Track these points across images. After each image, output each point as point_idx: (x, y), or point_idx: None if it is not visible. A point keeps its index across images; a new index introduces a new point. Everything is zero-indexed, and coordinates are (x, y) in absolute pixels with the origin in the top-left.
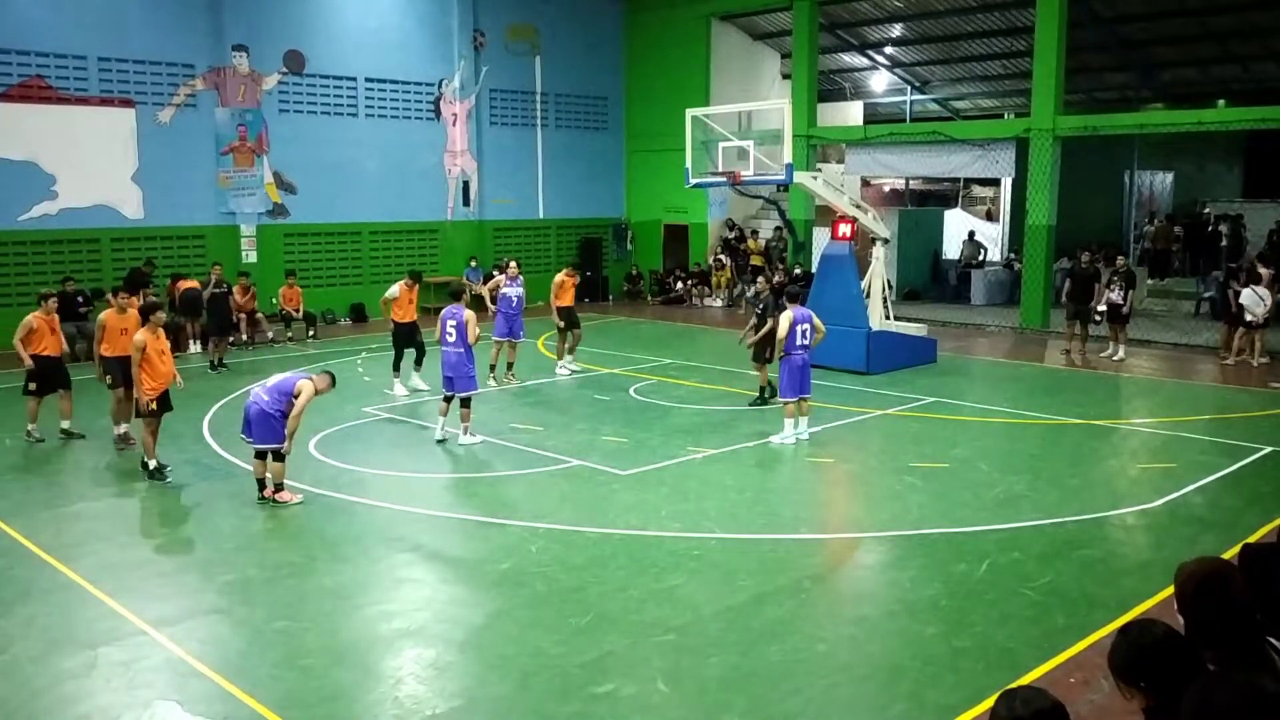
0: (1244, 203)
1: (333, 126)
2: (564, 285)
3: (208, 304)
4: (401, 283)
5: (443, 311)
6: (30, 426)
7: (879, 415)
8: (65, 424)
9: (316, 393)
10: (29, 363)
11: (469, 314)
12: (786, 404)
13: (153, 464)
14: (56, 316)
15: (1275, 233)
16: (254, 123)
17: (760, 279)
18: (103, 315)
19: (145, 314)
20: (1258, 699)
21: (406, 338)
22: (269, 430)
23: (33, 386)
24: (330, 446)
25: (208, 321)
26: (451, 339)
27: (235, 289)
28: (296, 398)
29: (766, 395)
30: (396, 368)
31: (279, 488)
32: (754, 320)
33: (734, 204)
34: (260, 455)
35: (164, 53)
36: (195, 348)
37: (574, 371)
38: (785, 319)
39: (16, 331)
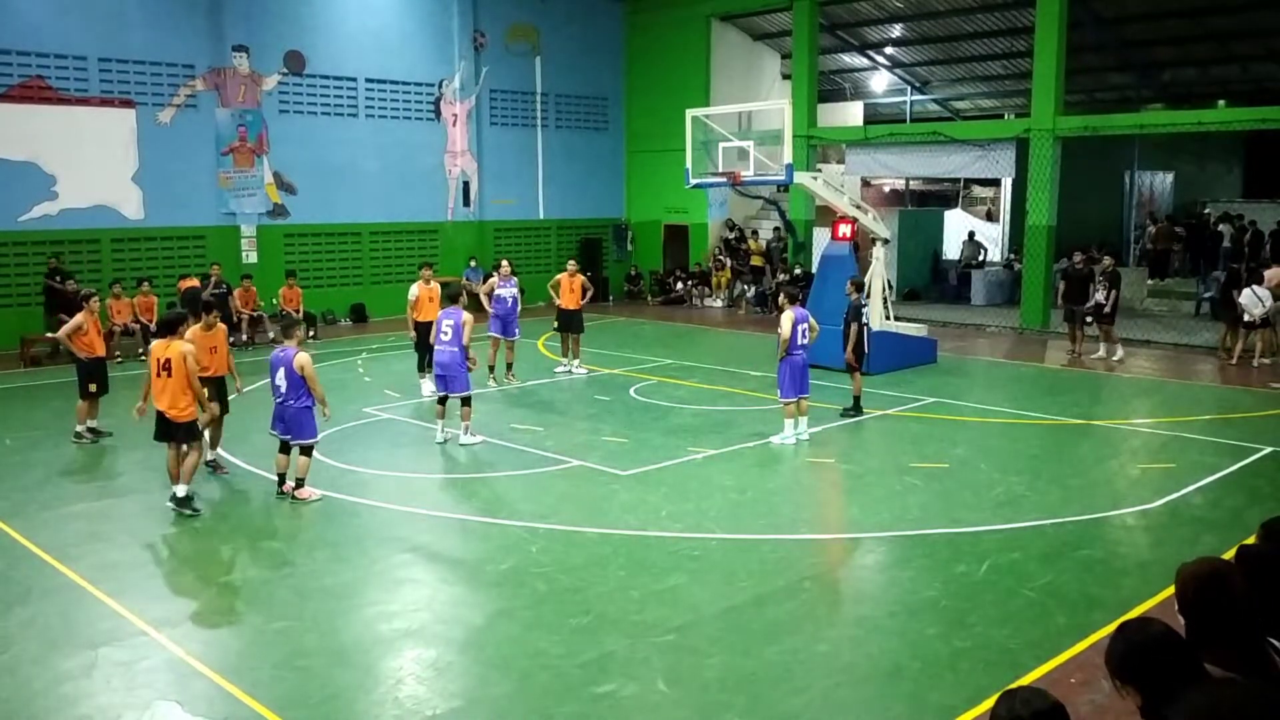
0: (1243, 203)
1: (333, 127)
2: (559, 285)
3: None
4: (418, 283)
5: (439, 312)
6: (92, 423)
7: (879, 415)
8: (92, 423)
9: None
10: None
11: (467, 316)
12: (786, 404)
13: (183, 491)
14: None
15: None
16: (254, 123)
17: (850, 283)
18: (189, 334)
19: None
20: (1263, 703)
21: (427, 337)
22: (307, 425)
23: (93, 388)
24: (331, 447)
25: None
26: (447, 338)
27: (237, 291)
28: (303, 371)
29: (859, 406)
30: (421, 368)
31: (300, 484)
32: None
33: (734, 204)
34: (285, 450)
35: (164, 53)
36: None
37: (574, 371)
38: (787, 319)
39: (65, 328)
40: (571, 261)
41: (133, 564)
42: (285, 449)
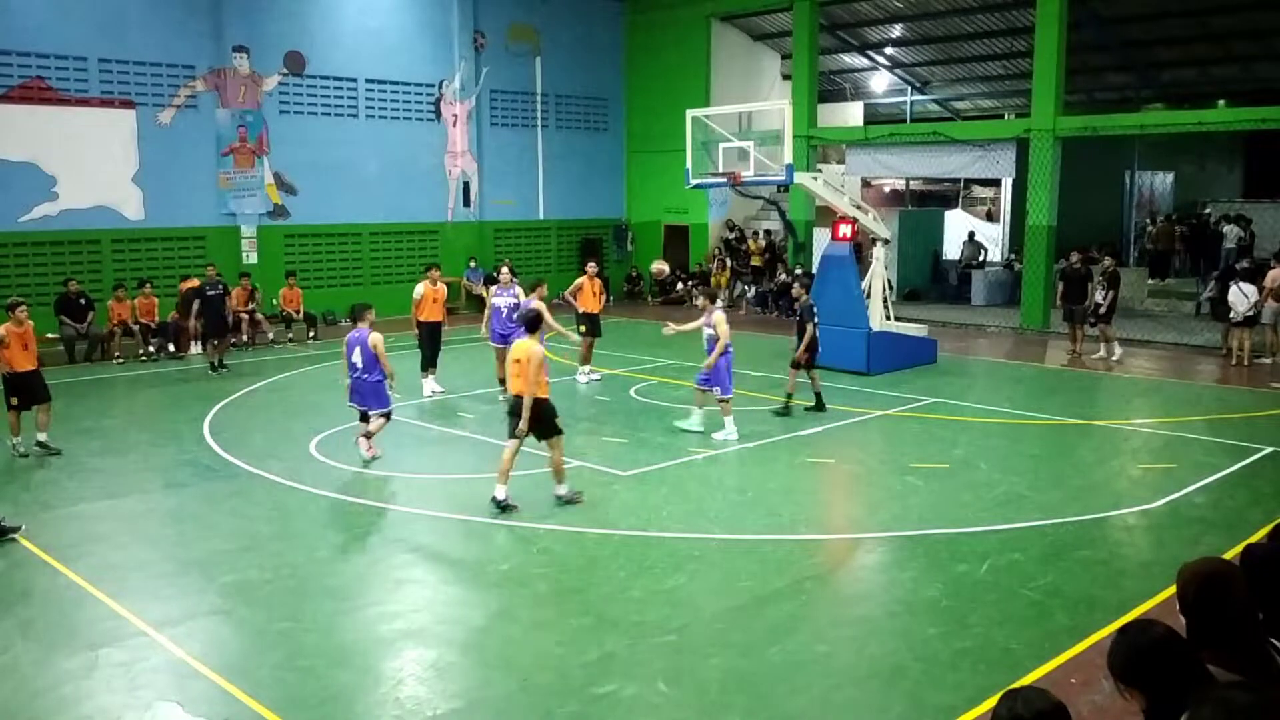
0: (1244, 203)
1: (333, 127)
2: (580, 288)
3: (202, 305)
4: (424, 282)
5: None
6: (41, 436)
7: (879, 416)
8: (41, 436)
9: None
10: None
11: (539, 304)
12: (726, 401)
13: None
14: (31, 326)
15: None
16: (254, 124)
17: (796, 285)
18: (533, 346)
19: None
20: (1274, 708)
21: (429, 337)
22: (381, 396)
23: (14, 401)
24: (331, 447)
25: (206, 323)
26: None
27: (235, 290)
28: (376, 349)
29: (821, 403)
30: (424, 367)
31: (369, 436)
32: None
33: (734, 204)
34: (365, 419)
35: (164, 54)
36: (196, 348)
37: (596, 379)
38: (723, 318)
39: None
40: (592, 264)
41: (133, 564)
42: (365, 418)
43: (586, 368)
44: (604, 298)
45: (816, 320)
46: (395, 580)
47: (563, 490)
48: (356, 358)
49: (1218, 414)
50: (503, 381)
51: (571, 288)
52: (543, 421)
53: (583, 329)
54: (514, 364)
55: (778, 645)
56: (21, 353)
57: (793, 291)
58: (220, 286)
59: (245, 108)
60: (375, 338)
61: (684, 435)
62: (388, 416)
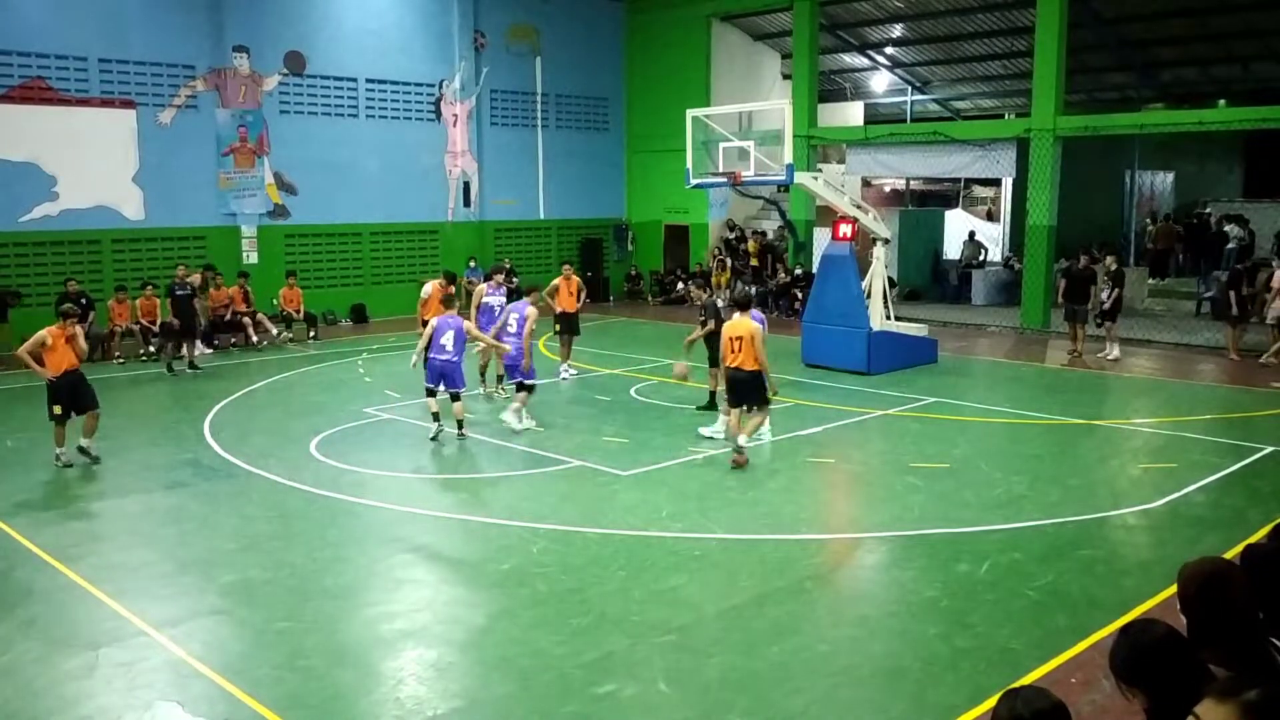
0: (1244, 202)
1: (333, 127)
2: (557, 289)
3: (174, 307)
4: (435, 281)
5: (510, 305)
6: (60, 449)
7: (880, 415)
8: (84, 441)
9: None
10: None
11: (531, 310)
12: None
13: None
14: (77, 331)
15: None
16: (255, 124)
17: (693, 286)
18: (752, 324)
19: None
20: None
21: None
22: (462, 377)
23: (57, 410)
24: (331, 447)
25: (182, 324)
26: (511, 330)
27: (233, 290)
28: (470, 333)
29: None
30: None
31: (461, 424)
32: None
33: (734, 204)
34: (432, 394)
35: (165, 54)
36: (199, 348)
37: (572, 375)
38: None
39: (25, 345)
40: (566, 264)
41: (133, 564)
42: (432, 393)
43: (565, 365)
44: (581, 295)
45: (715, 323)
46: (395, 580)
47: (743, 440)
48: (447, 340)
49: (1218, 414)
50: (483, 375)
51: (548, 289)
52: (760, 390)
53: (558, 328)
54: (733, 340)
55: (778, 645)
56: (66, 352)
57: (691, 294)
58: (189, 287)
59: (245, 108)
60: (469, 325)
61: (683, 435)
62: (459, 397)
